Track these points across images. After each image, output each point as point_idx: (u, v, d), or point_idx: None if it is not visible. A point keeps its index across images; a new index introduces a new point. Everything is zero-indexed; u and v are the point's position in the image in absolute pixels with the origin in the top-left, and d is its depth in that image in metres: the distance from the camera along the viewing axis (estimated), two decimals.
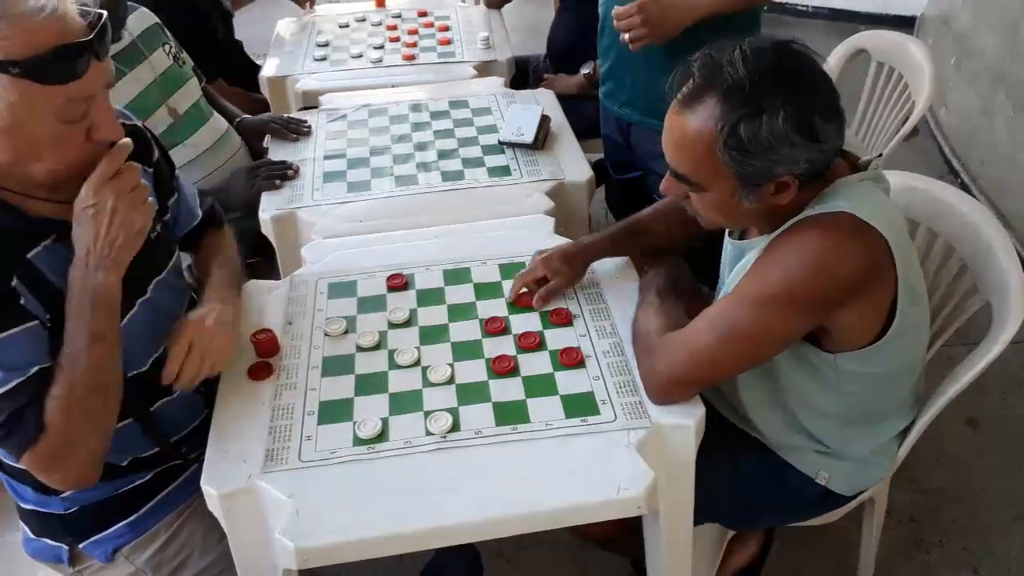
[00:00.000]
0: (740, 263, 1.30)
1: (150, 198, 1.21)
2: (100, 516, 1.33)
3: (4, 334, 1.10)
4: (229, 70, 2.56)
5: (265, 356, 1.39)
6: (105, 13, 1.08)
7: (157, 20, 2.04)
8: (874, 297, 1.20)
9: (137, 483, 1.34)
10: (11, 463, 1.25)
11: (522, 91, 2.35)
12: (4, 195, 1.14)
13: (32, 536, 1.36)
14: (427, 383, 1.34)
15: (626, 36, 1.76)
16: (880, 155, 1.34)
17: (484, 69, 2.50)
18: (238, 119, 2.25)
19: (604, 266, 1.55)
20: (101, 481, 1.27)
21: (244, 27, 2.89)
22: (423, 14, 2.82)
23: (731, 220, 1.29)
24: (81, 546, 1.34)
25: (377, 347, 1.41)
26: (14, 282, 1.12)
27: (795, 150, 1.12)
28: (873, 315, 1.22)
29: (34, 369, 1.12)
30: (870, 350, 1.25)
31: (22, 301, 1.12)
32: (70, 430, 1.13)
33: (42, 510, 1.32)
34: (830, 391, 1.32)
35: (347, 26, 2.79)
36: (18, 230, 1.14)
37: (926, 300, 1.33)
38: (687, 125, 1.16)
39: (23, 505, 1.34)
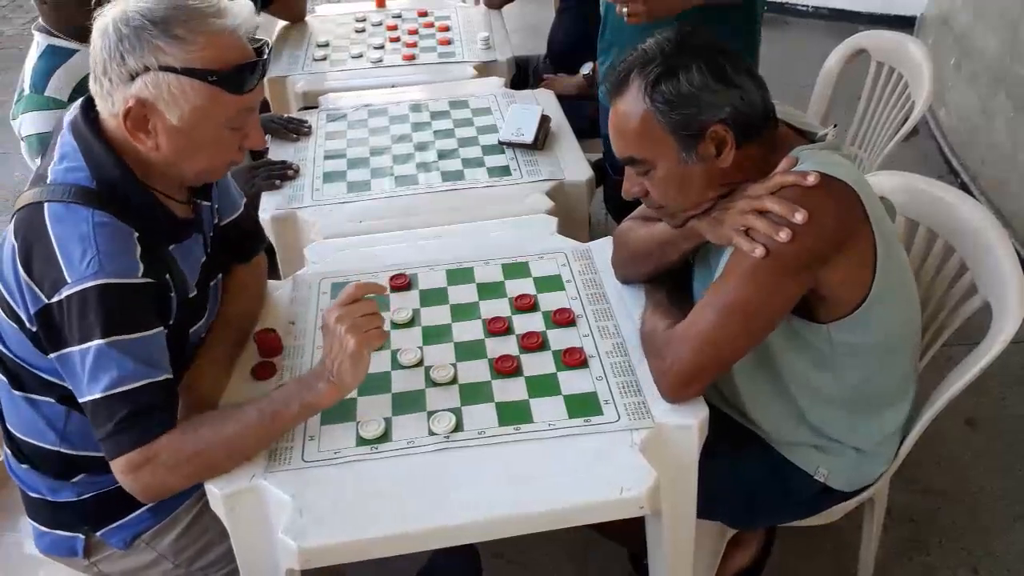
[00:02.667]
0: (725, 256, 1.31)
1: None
2: (119, 502, 1.31)
3: (153, 331, 1.17)
4: None
5: (268, 355, 1.40)
6: (271, 41, 1.22)
7: None
8: (856, 251, 1.23)
9: None
10: (35, 443, 1.28)
11: (522, 91, 2.36)
12: (158, 195, 1.25)
13: (44, 530, 1.35)
14: (430, 383, 1.34)
15: (624, 10, 1.77)
16: (835, 125, 1.38)
17: (484, 69, 2.50)
18: None
19: (607, 266, 1.56)
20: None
21: None
22: (423, 14, 2.83)
23: (687, 193, 1.28)
24: (99, 534, 1.34)
25: (380, 347, 1.41)
26: (167, 276, 1.23)
27: (715, 95, 1.22)
28: (858, 272, 1.24)
29: (159, 377, 1.16)
30: (860, 314, 1.26)
31: (172, 294, 1.24)
32: (180, 462, 1.16)
33: (52, 499, 1.32)
34: (827, 370, 1.33)
35: (347, 26, 2.79)
36: (170, 227, 1.27)
37: (908, 267, 1.36)
38: (620, 107, 1.26)
39: (32, 495, 1.34)
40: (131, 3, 1.15)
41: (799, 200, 1.18)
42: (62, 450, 1.28)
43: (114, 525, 1.33)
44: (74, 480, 1.31)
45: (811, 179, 1.19)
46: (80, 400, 1.16)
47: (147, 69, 1.13)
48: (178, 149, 1.20)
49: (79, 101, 1.24)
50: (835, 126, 1.36)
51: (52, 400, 1.25)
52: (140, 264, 1.17)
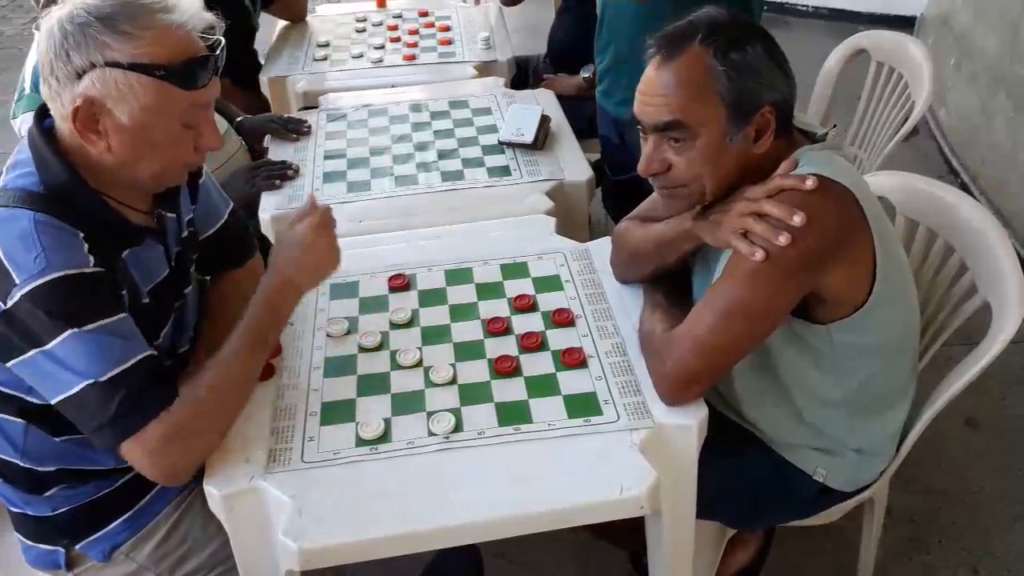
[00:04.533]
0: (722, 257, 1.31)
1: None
2: (94, 515, 1.32)
3: (116, 316, 1.15)
4: (236, 74, 2.56)
5: (267, 357, 1.39)
6: (223, 39, 1.20)
7: None
8: (855, 253, 1.22)
9: (128, 479, 1.32)
10: (3, 457, 1.26)
11: (522, 91, 2.36)
12: (109, 201, 1.22)
13: (29, 543, 1.35)
14: (429, 383, 1.34)
15: None
16: (835, 125, 1.38)
17: (484, 69, 2.50)
18: (238, 119, 2.25)
19: (607, 266, 1.55)
20: (92, 480, 1.29)
21: None
22: (424, 14, 2.83)
23: (717, 173, 1.26)
24: (78, 547, 1.33)
25: (379, 348, 1.41)
26: (119, 275, 1.21)
27: (776, 78, 1.23)
28: (858, 274, 1.24)
29: (146, 352, 1.17)
30: (860, 315, 1.26)
31: (123, 292, 1.21)
32: (197, 420, 1.18)
33: (31, 513, 1.32)
34: (828, 372, 1.33)
35: (347, 26, 2.79)
36: (120, 232, 1.23)
37: (908, 269, 1.36)
38: (676, 69, 1.23)
39: (13, 509, 1.34)
40: (77, 1, 1.13)
41: (797, 203, 1.18)
42: (25, 465, 1.27)
43: (92, 538, 1.32)
44: (47, 494, 1.29)
45: (809, 183, 1.18)
46: (58, 398, 1.13)
47: (93, 66, 1.10)
48: (130, 149, 1.17)
49: (36, 108, 1.21)
50: (835, 126, 1.36)
51: (9, 416, 1.23)
52: (90, 256, 1.14)
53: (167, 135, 1.18)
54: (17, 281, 1.10)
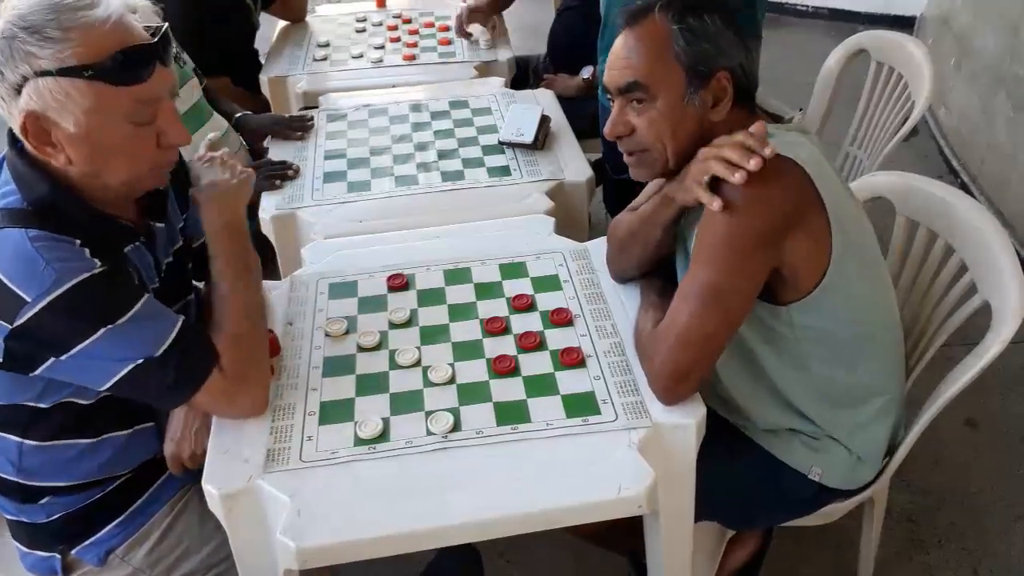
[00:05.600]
0: (692, 242, 1.32)
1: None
2: (87, 520, 1.32)
3: (141, 300, 1.17)
4: (237, 73, 2.57)
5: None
6: (166, 24, 1.16)
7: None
8: (810, 228, 1.24)
9: (120, 483, 1.34)
10: None
11: (522, 91, 2.36)
12: (96, 207, 1.21)
13: (25, 550, 1.35)
14: (428, 383, 1.34)
15: None
16: (801, 109, 1.41)
17: (484, 69, 2.51)
18: (237, 115, 2.25)
19: (604, 266, 1.55)
20: (84, 488, 1.30)
21: None
22: (424, 14, 2.83)
23: (677, 136, 1.30)
24: (74, 552, 1.33)
25: (378, 347, 1.41)
26: (127, 269, 1.23)
27: (732, 47, 1.29)
28: (814, 253, 1.25)
29: (179, 319, 1.21)
30: (817, 294, 1.27)
31: (136, 280, 1.23)
32: (243, 357, 1.25)
33: (27, 520, 1.32)
34: (790, 359, 1.34)
35: (347, 26, 2.79)
36: (115, 233, 1.24)
37: (879, 257, 1.38)
38: (638, 33, 1.30)
39: (9, 517, 1.34)
40: (7, 13, 1.09)
41: (752, 180, 1.20)
42: (21, 481, 1.28)
43: (86, 543, 1.33)
44: (41, 502, 1.30)
45: (768, 150, 1.20)
46: (109, 383, 1.16)
47: (26, 79, 1.07)
48: (88, 158, 1.14)
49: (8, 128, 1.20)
50: (801, 110, 1.39)
51: (6, 434, 1.25)
52: (94, 260, 1.14)
53: (120, 137, 1.14)
54: (28, 299, 1.09)
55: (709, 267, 1.23)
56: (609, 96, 1.36)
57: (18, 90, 1.08)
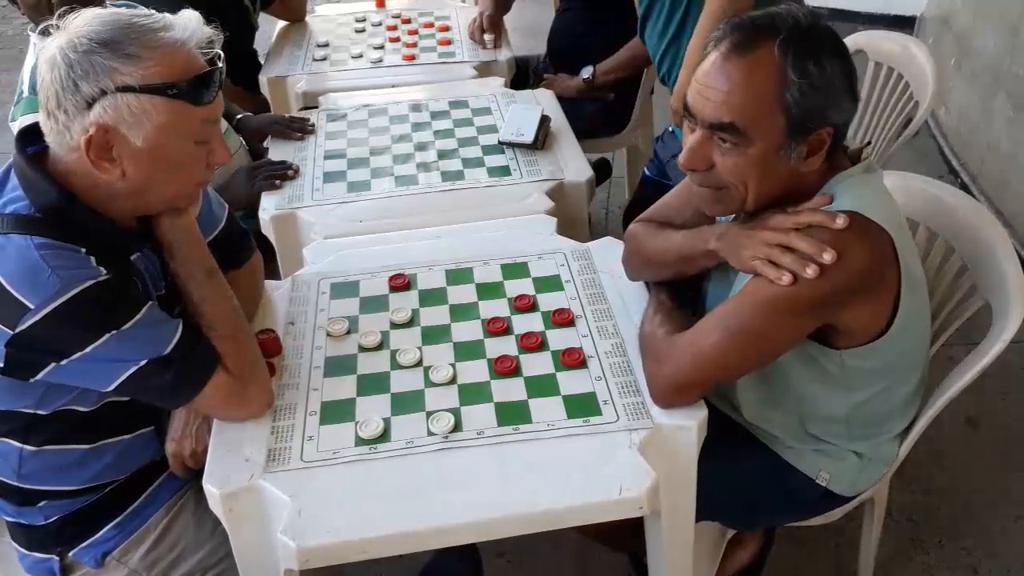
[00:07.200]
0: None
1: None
2: (84, 522, 1.33)
3: (145, 307, 1.18)
4: (236, 73, 2.56)
5: (267, 356, 1.39)
6: (221, 52, 1.20)
7: None
8: (880, 291, 1.20)
9: (117, 486, 1.34)
10: None
11: (522, 91, 2.35)
12: (104, 215, 1.21)
13: (24, 552, 1.36)
14: (429, 383, 1.34)
15: None
16: (868, 143, 1.35)
17: (484, 69, 2.50)
18: (238, 116, 2.25)
19: (607, 266, 1.55)
20: (83, 492, 1.30)
21: None
22: (407, 21, 2.81)
23: (763, 183, 1.19)
24: (71, 555, 1.34)
25: (379, 347, 1.41)
26: (132, 278, 1.23)
27: (844, 101, 1.16)
28: (880, 310, 1.22)
29: (180, 322, 1.22)
30: (877, 344, 1.25)
31: (140, 288, 1.24)
32: (244, 354, 1.27)
33: (25, 523, 1.33)
34: (839, 392, 1.32)
35: (347, 26, 2.79)
36: (121, 241, 1.24)
37: (924, 284, 1.32)
38: (746, 67, 1.14)
39: (8, 519, 1.35)
40: (74, 30, 1.11)
41: (828, 240, 1.13)
42: (20, 485, 1.29)
43: (83, 545, 1.33)
44: (39, 505, 1.31)
45: (840, 222, 1.14)
46: (114, 384, 1.17)
47: (104, 93, 1.09)
48: (145, 173, 1.16)
49: (16, 134, 1.21)
50: (868, 143, 1.32)
51: (6, 439, 1.25)
52: (100, 268, 1.15)
53: (182, 154, 1.18)
54: (31, 306, 1.10)
55: (759, 311, 1.18)
56: (689, 117, 1.21)
57: (90, 104, 1.10)
